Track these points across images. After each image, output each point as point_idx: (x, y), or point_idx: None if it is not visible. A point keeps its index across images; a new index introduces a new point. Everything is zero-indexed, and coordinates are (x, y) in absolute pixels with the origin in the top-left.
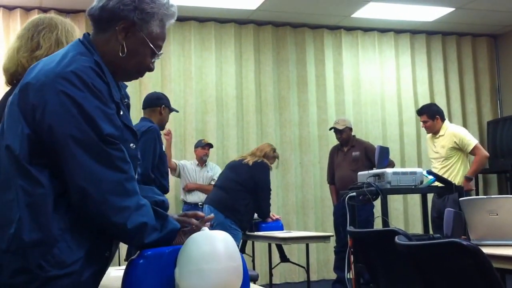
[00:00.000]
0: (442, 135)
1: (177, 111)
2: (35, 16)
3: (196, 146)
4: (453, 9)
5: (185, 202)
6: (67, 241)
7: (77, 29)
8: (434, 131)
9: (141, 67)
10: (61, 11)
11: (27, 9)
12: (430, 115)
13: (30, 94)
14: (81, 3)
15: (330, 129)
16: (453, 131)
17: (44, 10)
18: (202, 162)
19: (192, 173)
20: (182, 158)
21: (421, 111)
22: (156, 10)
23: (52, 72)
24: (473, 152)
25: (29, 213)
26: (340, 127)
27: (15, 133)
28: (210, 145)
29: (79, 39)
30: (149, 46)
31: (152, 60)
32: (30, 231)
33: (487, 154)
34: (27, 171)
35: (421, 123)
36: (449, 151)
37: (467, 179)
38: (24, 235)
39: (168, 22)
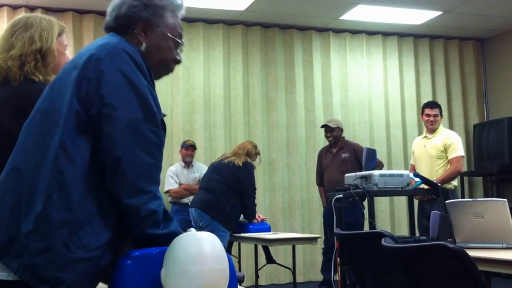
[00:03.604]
0: (436, 137)
1: (164, 115)
2: (22, 14)
3: (181, 147)
4: (441, 12)
5: (174, 203)
6: (93, 225)
7: (57, 25)
8: (435, 129)
9: (168, 61)
10: (48, 10)
11: (14, 7)
12: (441, 112)
13: (89, 67)
14: (68, 1)
15: (322, 126)
16: (449, 134)
17: (31, 8)
18: (187, 163)
19: (180, 175)
20: (169, 158)
21: (436, 104)
22: (165, 3)
23: (105, 49)
24: (453, 160)
25: (60, 192)
26: (332, 125)
27: (62, 108)
28: (193, 147)
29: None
30: (170, 38)
31: (177, 51)
32: (59, 210)
33: (462, 170)
34: (64, 147)
35: (430, 116)
36: (439, 152)
37: None
38: (53, 213)
39: (179, 13)
